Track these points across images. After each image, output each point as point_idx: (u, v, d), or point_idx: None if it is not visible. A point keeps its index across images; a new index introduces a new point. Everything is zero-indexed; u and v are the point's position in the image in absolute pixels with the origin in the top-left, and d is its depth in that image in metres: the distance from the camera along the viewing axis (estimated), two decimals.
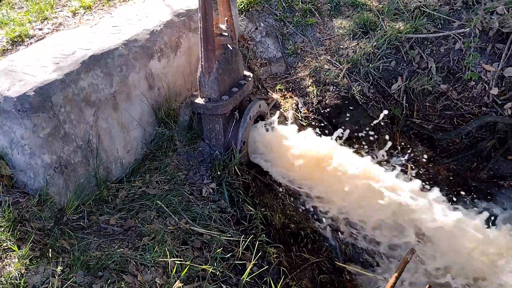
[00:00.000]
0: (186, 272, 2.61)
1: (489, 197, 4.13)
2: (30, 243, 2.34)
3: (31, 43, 3.17)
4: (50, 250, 2.39)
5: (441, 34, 4.43)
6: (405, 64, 4.47)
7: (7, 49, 3.09)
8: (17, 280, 2.17)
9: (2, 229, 2.33)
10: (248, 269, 2.72)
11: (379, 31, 4.58)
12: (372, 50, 4.44)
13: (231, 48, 3.32)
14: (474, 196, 4.11)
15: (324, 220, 3.46)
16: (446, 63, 4.39)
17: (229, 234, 2.95)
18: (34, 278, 2.25)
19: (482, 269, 3.38)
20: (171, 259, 2.54)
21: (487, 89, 4.27)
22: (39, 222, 2.54)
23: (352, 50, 4.54)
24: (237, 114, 3.41)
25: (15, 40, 3.16)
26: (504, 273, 3.12)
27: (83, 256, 2.47)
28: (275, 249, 3.03)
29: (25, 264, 2.25)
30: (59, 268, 2.27)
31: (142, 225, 2.85)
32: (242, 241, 2.85)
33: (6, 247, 2.28)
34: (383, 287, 3.00)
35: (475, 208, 3.89)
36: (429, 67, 4.40)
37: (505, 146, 4.20)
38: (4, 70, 2.69)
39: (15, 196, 2.57)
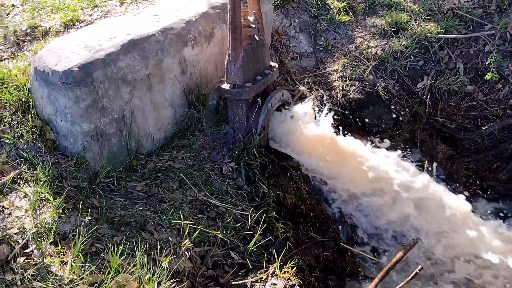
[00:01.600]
0: (197, 236, 2.91)
1: (505, 198, 4.17)
2: (64, 196, 2.72)
3: (80, 26, 3.58)
4: (81, 204, 2.75)
5: (471, 35, 4.49)
6: (432, 64, 4.57)
7: (60, 31, 3.52)
8: (50, 226, 2.54)
9: (42, 182, 2.72)
10: (254, 239, 2.99)
11: (409, 30, 4.70)
12: (400, 49, 4.58)
13: (257, 39, 3.58)
14: (491, 195, 4.17)
15: (334, 204, 3.67)
16: (475, 65, 4.45)
17: (242, 208, 3.23)
18: (65, 225, 2.62)
19: (489, 263, 3.47)
20: (185, 222, 2.84)
21: None
22: (74, 181, 2.92)
23: (381, 48, 4.69)
24: (260, 100, 3.68)
25: (67, 23, 3.59)
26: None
27: (109, 212, 2.83)
28: (283, 226, 3.28)
29: (59, 213, 2.62)
30: (87, 218, 2.63)
31: (164, 193, 3.18)
32: (252, 214, 3.13)
33: (44, 198, 2.66)
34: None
35: (489, 205, 3.95)
36: (457, 67, 4.48)
37: None
38: (54, 49, 3.09)
39: (56, 157, 2.97)
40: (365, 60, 4.63)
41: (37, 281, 2.28)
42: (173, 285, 2.45)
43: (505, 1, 4.64)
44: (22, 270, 2.31)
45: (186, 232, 2.84)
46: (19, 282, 2.26)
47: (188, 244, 2.80)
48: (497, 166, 4.35)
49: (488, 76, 4.21)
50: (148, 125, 3.51)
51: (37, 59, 3.01)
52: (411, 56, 4.57)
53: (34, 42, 3.42)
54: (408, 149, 4.16)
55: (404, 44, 4.60)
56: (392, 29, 4.79)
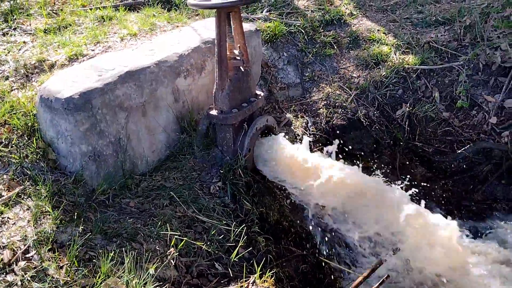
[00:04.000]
0: (184, 247, 3.18)
1: (480, 217, 4.40)
2: (63, 210, 3.02)
3: (83, 60, 3.96)
4: (78, 217, 3.05)
5: (446, 66, 4.83)
6: (410, 93, 4.89)
7: (65, 64, 3.91)
8: (49, 235, 2.83)
9: (43, 197, 3.03)
10: (236, 250, 3.25)
11: (389, 62, 5.06)
12: (380, 79, 4.92)
13: (242, 70, 3.94)
14: (466, 214, 4.40)
15: (314, 221, 3.91)
16: (449, 93, 4.77)
17: (227, 223, 3.49)
18: (62, 235, 2.90)
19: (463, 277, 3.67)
20: (172, 233, 3.11)
21: (487, 118, 4.59)
22: (72, 196, 3.22)
23: (363, 79, 5.03)
24: (246, 125, 4.00)
25: (72, 57, 3.98)
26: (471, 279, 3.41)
27: (103, 225, 3.11)
28: (265, 240, 3.53)
29: (57, 224, 2.91)
30: (82, 229, 2.92)
31: (155, 209, 3.46)
32: (236, 229, 3.39)
33: (44, 211, 2.97)
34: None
35: (464, 224, 4.18)
36: (433, 96, 4.80)
37: (500, 171, 4.48)
38: (58, 79, 3.46)
39: (56, 175, 3.29)
40: (348, 89, 4.97)
41: (36, 282, 2.55)
42: (158, 287, 2.70)
43: (478, 35, 5.00)
44: (22, 272, 2.58)
45: (173, 242, 3.10)
46: (19, 283, 2.53)
47: (174, 253, 3.07)
48: (472, 188, 4.60)
49: (459, 103, 4.52)
50: (143, 148, 3.83)
51: (43, 88, 3.38)
52: (391, 86, 4.91)
53: (41, 74, 3.80)
54: (389, 172, 4.42)
55: (384, 75, 4.95)
56: (374, 61, 5.15)
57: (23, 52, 4.07)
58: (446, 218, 3.99)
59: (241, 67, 3.93)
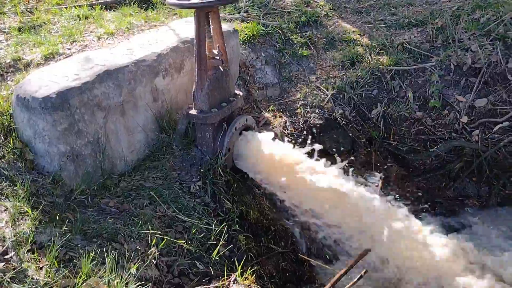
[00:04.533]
0: (165, 246, 3.18)
1: (452, 213, 4.55)
2: (41, 210, 2.98)
3: (60, 59, 3.91)
4: (57, 218, 3.01)
5: (419, 66, 4.97)
6: (385, 93, 5.01)
7: (41, 63, 3.85)
8: (28, 235, 2.79)
9: (21, 198, 2.98)
10: (217, 249, 3.27)
11: (364, 63, 5.17)
12: (356, 79, 5.03)
13: (221, 70, 3.96)
14: (439, 210, 4.54)
15: (294, 219, 3.97)
16: (423, 93, 4.91)
17: (207, 222, 3.51)
18: (41, 236, 2.86)
19: (435, 271, 3.79)
20: (153, 232, 3.11)
21: (458, 117, 4.75)
22: (51, 197, 3.18)
23: (339, 79, 5.13)
24: (225, 125, 4.02)
25: (48, 56, 3.92)
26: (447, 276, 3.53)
27: (82, 225, 3.08)
28: (245, 238, 3.57)
29: (36, 225, 2.87)
30: (62, 229, 2.89)
31: (135, 209, 3.45)
32: (216, 228, 3.41)
33: (23, 211, 2.92)
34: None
35: (437, 220, 4.32)
36: (407, 96, 4.92)
37: (471, 168, 4.64)
38: (34, 78, 3.41)
39: (34, 176, 3.24)
40: (324, 90, 5.05)
41: (15, 283, 2.51)
42: (140, 286, 2.70)
43: (450, 37, 5.16)
44: (1, 274, 2.54)
45: (154, 242, 3.10)
46: None
47: (155, 253, 3.07)
48: (444, 185, 4.75)
49: (431, 103, 4.67)
50: (122, 147, 3.81)
51: (19, 88, 3.32)
52: (366, 86, 5.01)
53: (17, 73, 3.74)
54: (365, 170, 4.52)
55: (360, 75, 5.05)
56: (349, 61, 5.26)
57: None
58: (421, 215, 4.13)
59: (220, 67, 3.96)
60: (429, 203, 4.60)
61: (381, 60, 5.18)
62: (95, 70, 3.59)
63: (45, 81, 3.36)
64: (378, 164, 4.70)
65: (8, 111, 3.37)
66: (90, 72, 3.54)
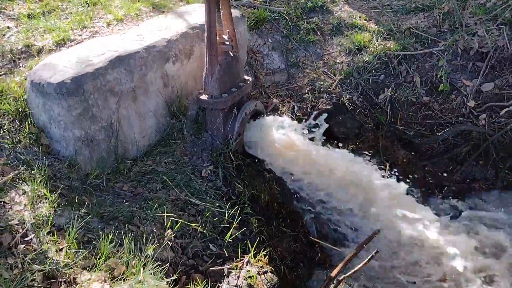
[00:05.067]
0: (179, 229, 3.24)
1: (459, 197, 4.61)
2: (59, 194, 3.04)
3: (71, 45, 3.93)
4: (74, 201, 3.07)
5: (426, 51, 4.99)
6: (392, 78, 5.04)
7: (52, 49, 3.87)
8: (47, 218, 2.85)
9: (39, 181, 3.04)
10: (230, 231, 3.33)
11: (371, 48, 5.19)
12: (363, 65, 5.05)
13: (232, 55, 3.99)
14: (445, 194, 4.60)
15: (304, 202, 4.03)
16: (430, 78, 4.94)
17: (220, 205, 3.57)
18: (60, 219, 2.92)
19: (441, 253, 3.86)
20: (168, 215, 3.17)
21: (465, 101, 4.78)
22: (67, 181, 3.24)
23: (346, 64, 5.15)
24: (235, 110, 4.06)
25: (59, 42, 3.94)
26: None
27: (99, 208, 3.14)
28: (257, 221, 3.63)
29: (54, 208, 2.93)
30: (80, 212, 2.95)
31: (149, 193, 3.51)
32: (229, 211, 3.47)
33: (41, 194, 2.98)
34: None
35: (444, 203, 4.38)
36: (414, 80, 4.95)
37: (478, 152, 4.70)
38: (49, 64, 3.44)
39: (50, 160, 3.29)
40: (332, 75, 5.08)
41: (36, 264, 2.57)
42: (157, 267, 2.76)
43: (456, 21, 5.17)
44: (22, 255, 2.60)
45: (168, 225, 3.16)
46: (20, 265, 2.55)
47: (171, 235, 3.13)
48: (451, 169, 4.81)
49: (441, 87, 4.70)
50: (134, 133, 3.85)
51: (33, 73, 3.36)
52: (373, 71, 5.04)
53: (29, 59, 3.76)
54: (372, 154, 4.57)
55: (367, 60, 5.08)
56: (356, 47, 5.27)
57: (8, 37, 4.01)
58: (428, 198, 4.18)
59: (230, 52, 3.98)
60: (436, 187, 4.67)
61: (388, 45, 5.20)
62: (107, 56, 3.62)
63: (59, 67, 3.39)
64: (385, 149, 4.75)
65: (22, 96, 3.41)
66: (102, 58, 3.57)
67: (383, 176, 4.21)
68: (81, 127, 3.37)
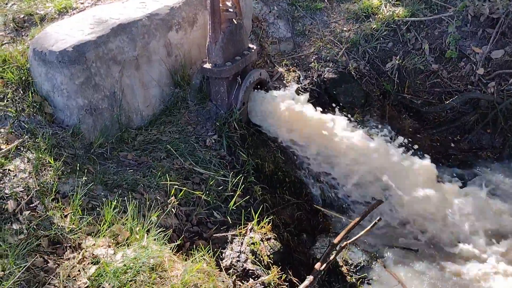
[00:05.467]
0: (183, 197, 3.27)
1: (466, 165, 4.58)
2: (63, 162, 3.06)
3: (73, 13, 3.90)
4: (79, 169, 3.10)
5: (436, 17, 4.87)
6: (400, 45, 4.94)
7: (55, 17, 3.85)
8: (51, 185, 2.88)
9: (43, 150, 3.06)
10: (234, 199, 3.35)
11: (379, 15, 5.07)
12: (370, 32, 4.95)
13: (235, 23, 3.93)
14: (453, 162, 4.57)
15: (308, 171, 4.03)
16: (439, 45, 4.83)
17: (224, 174, 3.58)
18: (64, 186, 2.96)
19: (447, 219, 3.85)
20: (171, 183, 3.19)
21: (474, 69, 4.68)
22: (71, 149, 3.26)
23: (354, 32, 5.05)
24: (240, 79, 4.03)
25: (61, 11, 3.91)
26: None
27: (103, 176, 3.17)
28: (261, 189, 3.64)
29: (58, 175, 2.96)
30: (84, 179, 2.98)
31: (153, 161, 3.53)
32: (233, 179, 3.48)
33: (45, 162, 3.00)
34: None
35: (451, 171, 4.35)
36: (422, 48, 4.85)
37: (486, 120, 4.63)
38: (50, 32, 3.42)
39: (54, 129, 3.31)
40: (338, 43, 4.99)
41: (41, 230, 2.62)
42: (161, 233, 2.80)
43: None
44: (27, 221, 2.65)
45: (172, 192, 3.19)
46: (25, 231, 2.59)
47: (175, 202, 3.16)
48: (459, 137, 4.76)
49: (448, 53, 4.60)
50: (138, 102, 3.85)
51: (36, 42, 3.34)
52: (381, 38, 4.94)
53: (32, 28, 3.75)
54: (378, 123, 4.53)
55: (375, 28, 4.97)
56: (364, 14, 5.16)
57: (10, 6, 3.99)
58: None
59: (234, 20, 3.92)
60: (443, 155, 4.63)
61: (396, 11, 5.08)
62: (109, 24, 3.58)
63: (61, 35, 3.37)
64: (392, 118, 4.70)
65: (25, 65, 3.41)
66: (104, 26, 3.54)
67: (389, 144, 4.16)
68: (84, 96, 3.37)
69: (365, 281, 3.26)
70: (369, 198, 3.88)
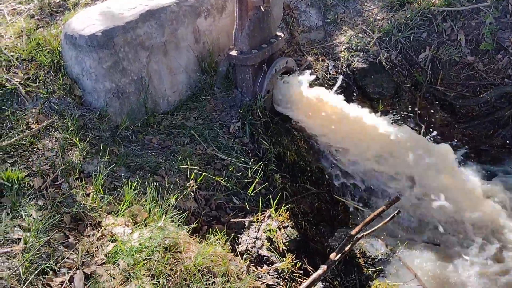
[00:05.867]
0: (203, 181, 3.32)
1: (498, 161, 4.40)
2: (89, 143, 3.18)
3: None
4: (103, 150, 3.21)
5: (473, 7, 4.68)
6: (435, 35, 4.78)
7: (88, 3, 3.97)
8: (76, 165, 3.00)
9: (70, 130, 3.19)
10: (253, 185, 3.38)
11: (415, 4, 4.92)
12: (404, 21, 4.82)
13: (263, 10, 3.92)
14: (484, 158, 4.41)
15: (331, 162, 3.99)
16: (475, 36, 4.65)
17: (245, 161, 3.61)
18: (88, 166, 3.08)
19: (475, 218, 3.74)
20: (191, 167, 3.25)
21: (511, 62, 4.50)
22: (97, 131, 3.38)
23: (387, 21, 4.93)
24: (265, 67, 4.03)
25: None
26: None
27: (126, 158, 3.27)
28: (281, 177, 3.65)
29: (83, 156, 3.08)
30: (107, 160, 3.09)
31: (176, 146, 3.60)
32: (253, 167, 3.50)
33: (72, 143, 3.13)
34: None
35: (481, 168, 4.21)
36: (458, 38, 4.68)
37: None
38: (81, 17, 3.53)
39: (82, 111, 3.43)
40: (370, 32, 4.89)
41: (65, 207, 2.74)
42: (177, 215, 2.86)
43: None
44: (52, 198, 2.77)
45: (192, 176, 3.25)
46: (49, 207, 2.72)
47: (194, 186, 3.22)
48: (492, 132, 4.58)
49: (482, 45, 4.42)
50: (164, 87, 3.92)
51: (67, 26, 3.47)
52: (415, 28, 4.80)
53: (65, 13, 3.88)
54: (407, 115, 4.43)
55: (409, 17, 4.83)
56: (399, 2, 5.02)
57: None
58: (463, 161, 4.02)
59: (261, 7, 3.91)
60: (474, 151, 4.47)
61: (432, 0, 4.91)
62: (138, 9, 3.66)
63: (91, 20, 3.48)
64: (422, 110, 4.58)
65: (57, 48, 3.54)
66: (133, 12, 3.62)
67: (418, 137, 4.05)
68: (111, 80, 3.47)
69: (381, 274, 3.22)
70: (392, 192, 3.81)
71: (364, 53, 4.73)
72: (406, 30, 4.82)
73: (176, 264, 2.58)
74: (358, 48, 4.77)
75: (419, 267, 3.32)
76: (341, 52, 4.81)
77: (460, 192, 3.76)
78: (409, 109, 4.48)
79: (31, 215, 2.62)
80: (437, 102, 4.70)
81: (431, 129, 4.29)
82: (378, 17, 5.03)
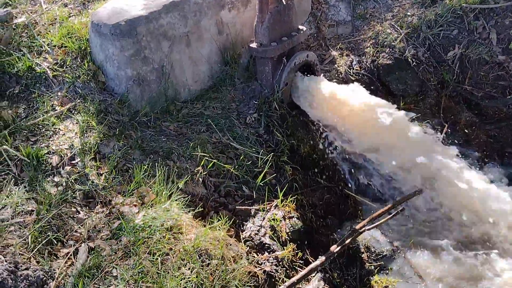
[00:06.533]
0: (214, 168, 3.43)
1: None
2: (107, 126, 3.36)
3: None
4: (120, 134, 3.38)
5: (508, 4, 4.51)
6: (466, 33, 4.65)
7: None
8: (92, 146, 3.18)
9: (91, 113, 3.38)
10: (262, 174, 3.45)
11: (447, 0, 4.80)
12: (434, 18, 4.71)
13: (284, 3, 3.96)
14: (507, 161, 4.25)
15: (345, 157, 3.99)
16: (508, 35, 4.48)
17: (257, 151, 3.68)
18: (105, 148, 3.25)
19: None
20: (202, 154, 3.36)
21: None
22: (117, 116, 3.55)
23: (417, 17, 4.84)
24: (285, 60, 4.07)
25: None
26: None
27: (142, 142, 3.43)
28: (293, 169, 3.70)
29: (101, 138, 3.26)
30: (123, 143, 3.26)
31: (192, 133, 3.73)
32: (264, 157, 3.57)
33: (91, 125, 3.32)
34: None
35: (503, 171, 4.07)
36: (490, 37, 4.53)
37: None
38: (108, 6, 3.71)
39: (104, 96, 3.62)
40: (399, 28, 4.82)
41: (78, 184, 2.93)
42: (181, 198, 2.98)
43: None
44: (67, 175, 2.97)
45: (203, 163, 3.36)
46: (64, 184, 2.91)
47: (202, 173, 3.34)
48: None
49: (511, 45, 4.26)
50: (186, 77, 4.05)
51: (94, 15, 3.65)
52: (445, 25, 4.68)
53: (96, 2, 4.09)
54: (430, 114, 4.35)
55: (439, 13, 4.72)
56: None
57: None
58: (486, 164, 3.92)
59: (283, 0, 3.95)
60: (497, 153, 4.33)
61: None
62: (162, 0, 3.79)
63: (117, 9, 3.65)
64: (447, 109, 4.47)
65: (85, 36, 3.74)
66: (157, 2, 3.76)
67: (438, 137, 3.97)
68: (133, 67, 3.63)
69: (384, 270, 3.22)
70: (405, 190, 3.77)
71: (390, 49, 4.67)
72: (435, 27, 4.71)
73: (176, 245, 2.71)
74: (385, 43, 4.71)
75: (425, 265, 3.28)
76: (367, 47, 4.77)
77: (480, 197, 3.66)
78: (433, 107, 4.40)
79: (47, 190, 2.82)
80: (463, 102, 4.57)
81: (454, 129, 4.21)
82: (408, 13, 4.94)
